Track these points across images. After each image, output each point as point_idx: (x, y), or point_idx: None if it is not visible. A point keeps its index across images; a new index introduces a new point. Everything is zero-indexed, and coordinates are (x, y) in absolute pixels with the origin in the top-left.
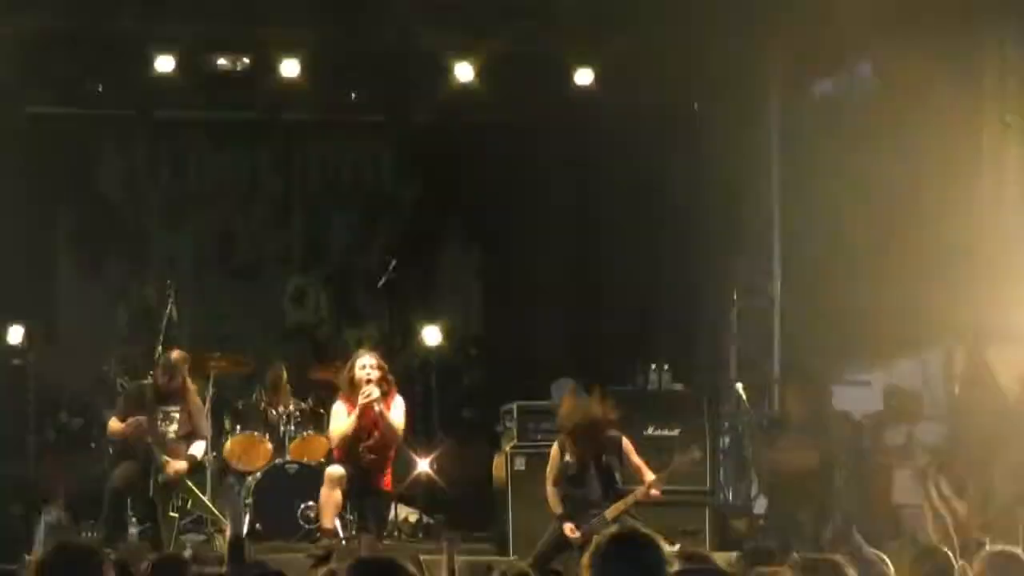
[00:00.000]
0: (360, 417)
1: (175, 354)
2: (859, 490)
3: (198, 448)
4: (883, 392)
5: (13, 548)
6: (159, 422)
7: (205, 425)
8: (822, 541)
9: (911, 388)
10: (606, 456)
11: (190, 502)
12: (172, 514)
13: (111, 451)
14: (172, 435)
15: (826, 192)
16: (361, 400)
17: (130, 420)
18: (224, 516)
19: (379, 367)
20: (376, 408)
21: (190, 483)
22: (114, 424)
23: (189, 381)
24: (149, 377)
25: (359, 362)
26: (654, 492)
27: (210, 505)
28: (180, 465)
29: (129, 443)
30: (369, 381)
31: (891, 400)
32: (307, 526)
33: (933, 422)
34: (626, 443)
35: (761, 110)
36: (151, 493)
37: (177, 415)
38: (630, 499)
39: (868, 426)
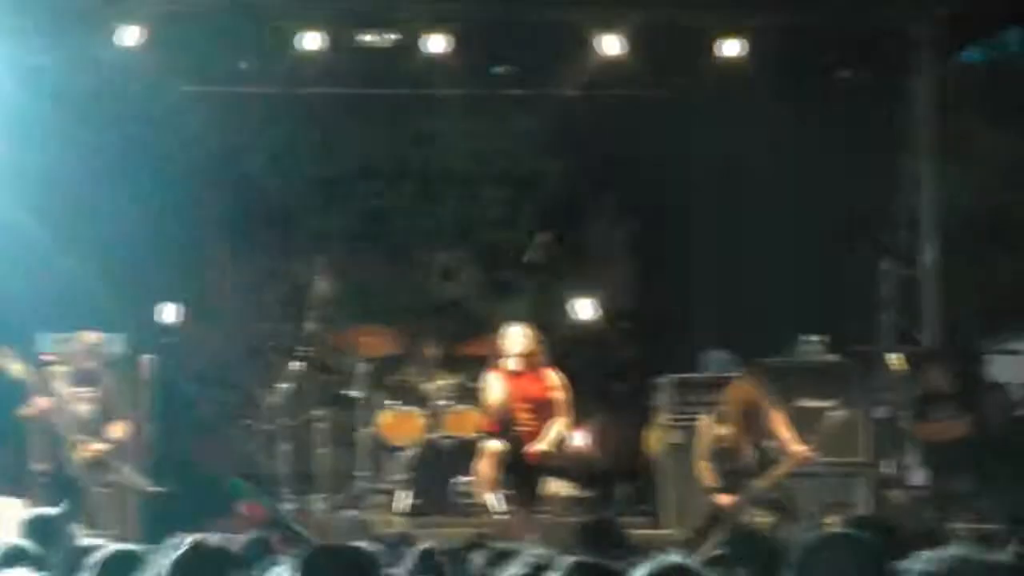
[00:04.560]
0: (509, 388)
1: (95, 336)
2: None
3: (118, 430)
4: None
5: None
6: (70, 404)
7: (122, 406)
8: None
9: None
10: (756, 427)
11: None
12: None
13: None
14: (86, 416)
15: (977, 161)
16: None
17: (34, 403)
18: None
19: (529, 338)
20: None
21: (121, 465)
22: (23, 410)
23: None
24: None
25: (510, 333)
26: (809, 456)
27: (143, 482)
28: (97, 445)
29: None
30: (516, 349)
31: None
32: (462, 500)
33: None
34: (775, 415)
35: (909, 78)
36: (71, 473)
37: (89, 395)
38: (783, 468)
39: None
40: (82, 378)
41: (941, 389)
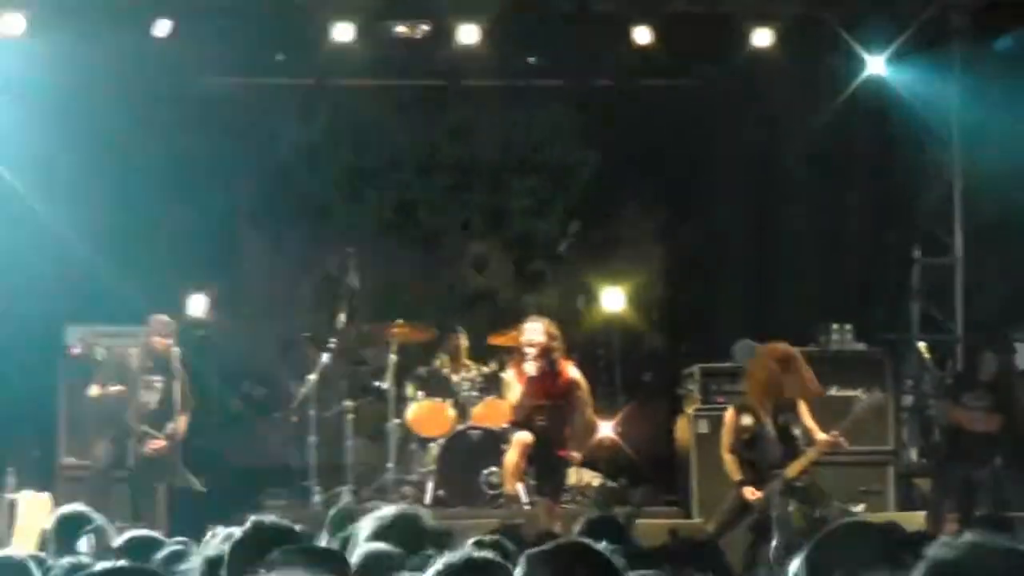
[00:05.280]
0: (527, 386)
1: (165, 318)
2: None
3: (180, 422)
4: None
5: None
6: (140, 391)
7: (189, 398)
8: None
9: None
10: (783, 416)
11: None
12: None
13: (94, 423)
14: (153, 406)
15: (1008, 149)
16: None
17: (110, 389)
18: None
19: (545, 333)
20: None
21: (179, 463)
22: (92, 390)
23: (176, 350)
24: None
25: (526, 328)
26: (837, 443)
27: (200, 487)
28: (159, 443)
29: (107, 414)
30: (532, 345)
31: None
32: (491, 492)
33: None
34: (801, 404)
35: (942, 66)
36: (129, 465)
37: (160, 386)
38: (811, 455)
39: None
40: (154, 366)
41: (981, 377)
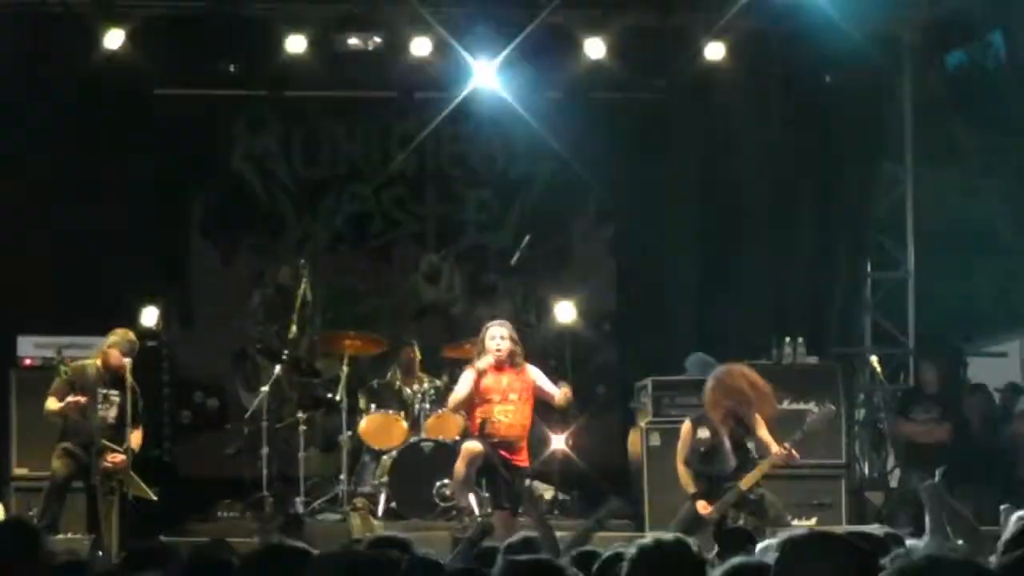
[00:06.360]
0: (490, 384)
1: (131, 334)
2: (992, 462)
3: (136, 437)
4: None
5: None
6: (99, 405)
7: (139, 413)
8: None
9: None
10: (738, 429)
11: (130, 492)
12: (111, 497)
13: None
14: (111, 420)
15: (960, 164)
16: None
17: (70, 400)
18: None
19: (510, 338)
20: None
21: (133, 474)
22: (51, 404)
23: (128, 361)
24: (89, 358)
25: (491, 332)
26: (794, 455)
27: (153, 496)
28: (119, 458)
29: (68, 426)
30: (499, 351)
31: None
32: (443, 504)
33: None
34: (758, 416)
35: (893, 82)
36: (92, 480)
37: (117, 399)
38: (764, 467)
39: (1003, 397)
40: (111, 379)
41: (926, 389)
